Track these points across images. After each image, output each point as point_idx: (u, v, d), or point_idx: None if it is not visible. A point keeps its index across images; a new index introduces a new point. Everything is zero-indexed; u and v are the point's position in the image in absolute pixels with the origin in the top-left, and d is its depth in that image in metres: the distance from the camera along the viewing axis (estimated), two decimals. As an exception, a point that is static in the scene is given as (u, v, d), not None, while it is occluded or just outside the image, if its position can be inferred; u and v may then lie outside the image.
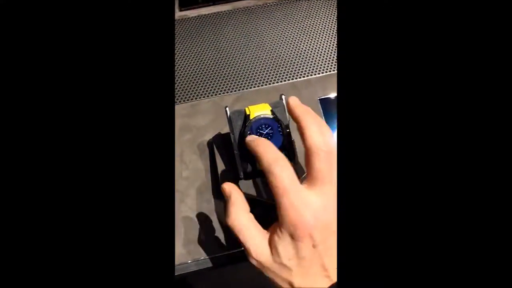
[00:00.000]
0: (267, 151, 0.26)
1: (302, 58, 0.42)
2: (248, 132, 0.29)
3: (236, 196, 0.27)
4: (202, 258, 0.32)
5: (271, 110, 0.30)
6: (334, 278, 0.24)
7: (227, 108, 0.31)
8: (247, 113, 0.30)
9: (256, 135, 0.29)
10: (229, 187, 0.28)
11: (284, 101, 0.31)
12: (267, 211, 0.32)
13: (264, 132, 0.29)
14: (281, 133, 0.30)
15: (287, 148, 0.30)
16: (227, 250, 0.32)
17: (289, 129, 0.30)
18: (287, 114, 0.31)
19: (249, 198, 0.33)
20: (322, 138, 0.25)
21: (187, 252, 0.32)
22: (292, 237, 0.24)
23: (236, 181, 0.32)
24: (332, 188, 0.25)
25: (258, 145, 0.26)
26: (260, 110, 0.30)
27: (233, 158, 0.31)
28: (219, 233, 0.33)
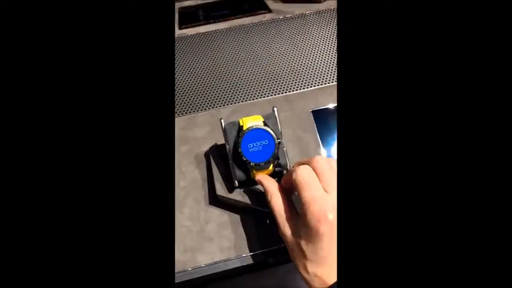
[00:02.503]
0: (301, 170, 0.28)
1: (295, 72, 0.44)
2: (241, 141, 0.31)
3: (268, 183, 0.30)
4: (199, 266, 0.33)
5: (264, 121, 0.32)
6: None
7: (222, 120, 0.32)
8: (241, 124, 0.32)
9: (249, 144, 0.31)
10: (259, 178, 0.31)
11: (275, 113, 0.33)
12: (260, 218, 0.33)
13: (257, 142, 0.31)
14: (273, 142, 0.31)
15: (279, 157, 0.32)
16: (225, 259, 0.33)
17: (280, 138, 0.32)
18: (279, 125, 0.33)
19: (243, 205, 0.34)
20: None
21: (184, 261, 0.33)
22: (315, 230, 0.25)
23: (231, 190, 0.34)
24: None
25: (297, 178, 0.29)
26: (253, 121, 0.31)
27: (228, 167, 0.33)
28: (216, 242, 0.34)
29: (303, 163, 0.29)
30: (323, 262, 0.25)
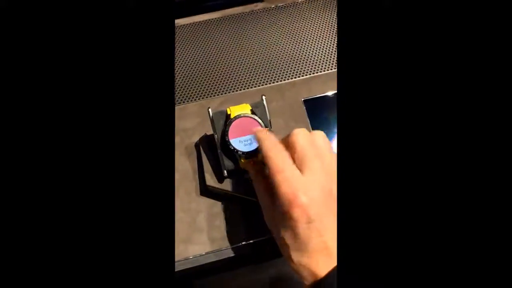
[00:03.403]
0: (266, 139, 0.28)
1: (287, 62, 0.43)
2: (228, 130, 0.30)
3: (253, 170, 0.30)
4: (191, 257, 0.33)
5: (251, 110, 0.31)
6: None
7: (210, 109, 0.32)
8: (228, 113, 0.31)
9: (237, 133, 0.30)
10: (247, 166, 0.31)
11: (264, 101, 0.32)
12: (251, 207, 0.33)
13: (244, 130, 0.31)
14: None
15: None
16: (217, 249, 0.33)
17: (269, 127, 0.32)
18: (267, 113, 0.32)
19: (233, 195, 0.34)
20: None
21: (176, 252, 0.33)
22: (288, 214, 0.24)
23: (221, 180, 0.34)
24: (319, 163, 0.26)
25: (259, 134, 0.28)
26: (240, 110, 0.31)
27: (217, 157, 0.33)
28: (208, 233, 0.33)
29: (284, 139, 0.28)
30: (305, 249, 0.24)
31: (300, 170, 0.26)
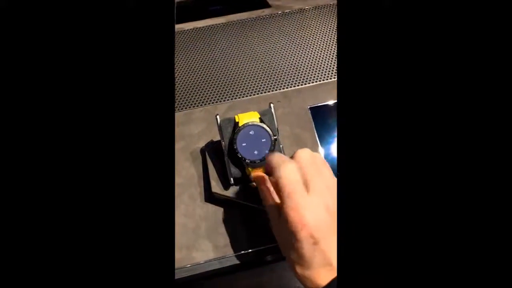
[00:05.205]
0: (275, 155, 0.28)
1: (293, 69, 0.43)
2: (236, 138, 0.30)
3: (263, 183, 0.30)
4: (195, 263, 0.33)
5: (260, 118, 0.31)
6: None
7: (218, 116, 0.32)
8: (237, 120, 0.31)
9: (245, 141, 0.30)
10: (255, 176, 0.31)
11: (272, 109, 0.32)
12: (255, 215, 0.33)
13: (253, 138, 0.31)
14: (269, 139, 0.31)
15: None
16: (220, 256, 0.33)
17: (276, 135, 0.31)
18: (275, 121, 0.32)
19: (238, 203, 0.33)
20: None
21: (179, 258, 0.33)
22: (294, 235, 0.25)
23: (227, 187, 0.33)
24: (322, 182, 0.27)
25: (274, 160, 0.29)
26: (249, 118, 0.31)
27: (224, 164, 0.32)
28: (212, 239, 0.33)
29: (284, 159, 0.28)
30: (309, 265, 0.25)
31: (308, 189, 0.27)
